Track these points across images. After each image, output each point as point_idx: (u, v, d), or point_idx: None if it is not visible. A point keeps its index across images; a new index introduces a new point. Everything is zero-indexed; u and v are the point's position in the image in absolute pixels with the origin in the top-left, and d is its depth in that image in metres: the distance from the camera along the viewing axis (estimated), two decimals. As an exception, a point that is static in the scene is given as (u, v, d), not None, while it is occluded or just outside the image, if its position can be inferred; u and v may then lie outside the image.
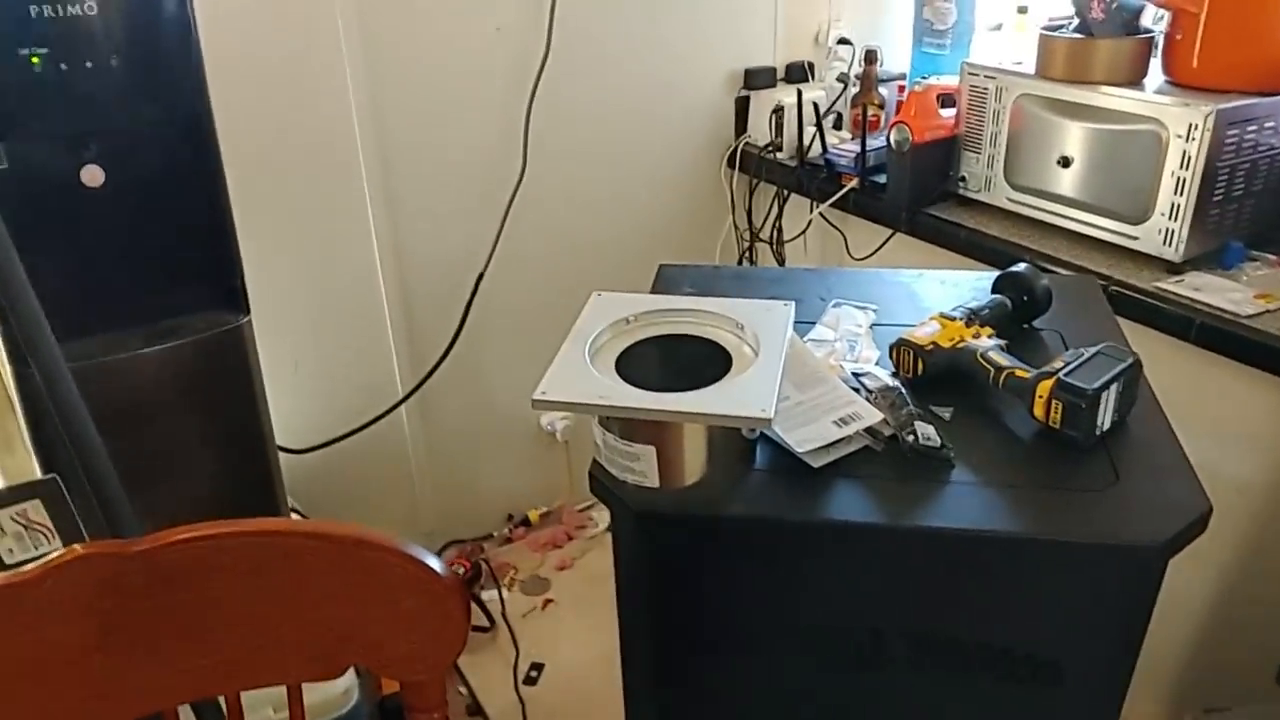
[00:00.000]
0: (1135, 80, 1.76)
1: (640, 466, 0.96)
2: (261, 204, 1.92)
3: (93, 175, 1.37)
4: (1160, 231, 1.69)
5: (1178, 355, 1.60)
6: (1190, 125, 1.60)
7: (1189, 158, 1.61)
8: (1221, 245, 1.71)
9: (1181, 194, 1.64)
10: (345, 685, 1.60)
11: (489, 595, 2.39)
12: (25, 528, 1.17)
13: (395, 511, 2.42)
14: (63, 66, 1.32)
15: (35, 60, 1.30)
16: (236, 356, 1.57)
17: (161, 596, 0.95)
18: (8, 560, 1.14)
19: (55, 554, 0.91)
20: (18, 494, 1.16)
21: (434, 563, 0.97)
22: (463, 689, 2.17)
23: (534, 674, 2.19)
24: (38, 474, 1.36)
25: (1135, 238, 1.73)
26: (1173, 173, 1.64)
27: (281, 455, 1.77)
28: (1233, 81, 1.65)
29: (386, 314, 2.22)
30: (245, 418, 1.63)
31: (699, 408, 0.92)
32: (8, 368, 1.41)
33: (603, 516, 2.64)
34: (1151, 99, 1.67)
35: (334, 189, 2.06)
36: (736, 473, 1.01)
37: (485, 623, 2.31)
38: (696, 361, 1.02)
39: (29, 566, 0.90)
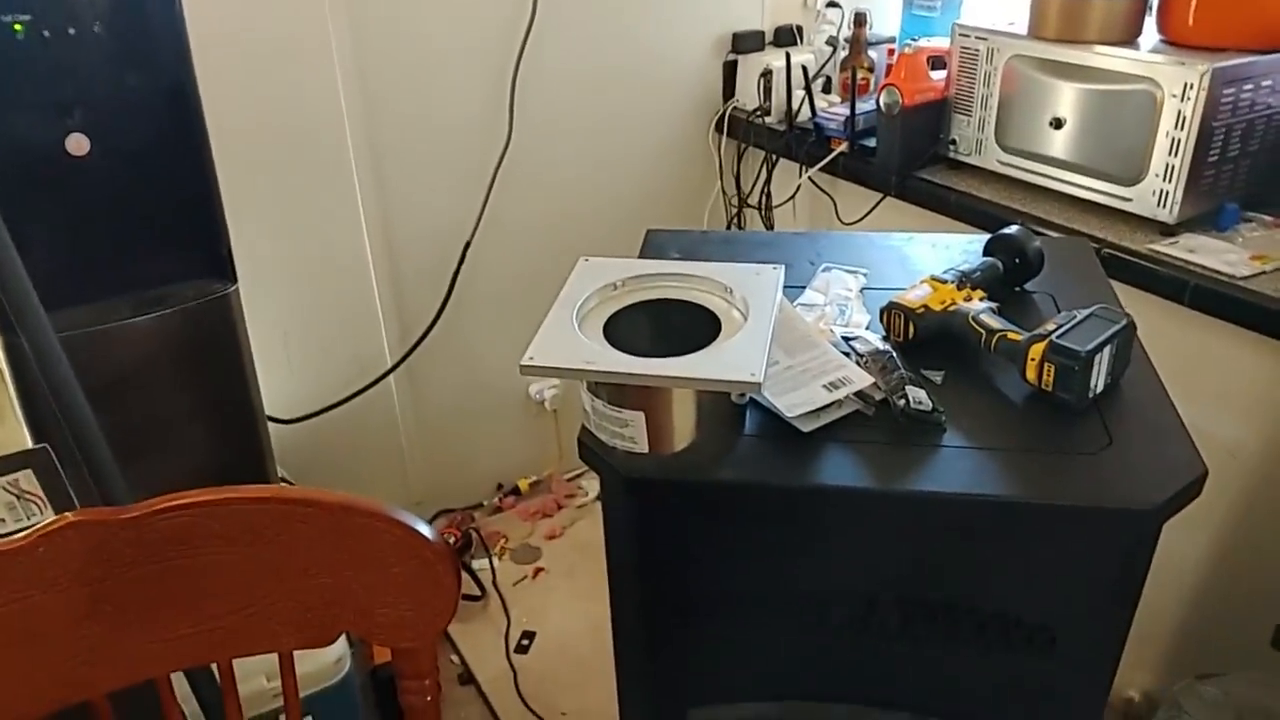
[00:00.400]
0: (1129, 39, 1.74)
1: (629, 432, 0.95)
2: (247, 173, 1.89)
3: (78, 144, 1.36)
4: (1154, 193, 1.67)
5: (1172, 318, 1.60)
6: (1185, 84, 1.58)
7: (1184, 118, 1.60)
8: (1216, 207, 1.70)
9: (1176, 155, 1.62)
10: (337, 654, 1.60)
11: (480, 564, 2.38)
12: (17, 497, 1.16)
13: (385, 481, 2.41)
14: (45, 34, 1.31)
15: (18, 28, 1.29)
16: (224, 325, 1.57)
17: (152, 564, 0.95)
18: (0, 530, 1.13)
19: (47, 521, 0.90)
20: (9, 464, 1.16)
21: (424, 529, 0.96)
22: (454, 658, 2.17)
23: (525, 642, 2.20)
24: (29, 444, 1.35)
25: (1129, 199, 1.72)
26: (1167, 133, 1.63)
27: (271, 425, 1.77)
28: (1228, 40, 1.63)
29: (374, 283, 2.20)
30: (234, 387, 1.62)
31: (687, 372, 0.91)
32: (-2, 337, 1.40)
33: (592, 485, 2.64)
34: (1146, 58, 1.65)
35: (320, 158, 2.04)
36: (726, 438, 0.99)
37: (476, 592, 2.31)
38: (685, 326, 1.01)
39: (19, 534, 0.90)
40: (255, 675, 1.47)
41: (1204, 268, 1.57)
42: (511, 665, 2.13)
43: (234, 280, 1.55)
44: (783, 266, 1.07)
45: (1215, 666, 1.64)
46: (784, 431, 0.98)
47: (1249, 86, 1.62)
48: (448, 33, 2.09)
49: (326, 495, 0.96)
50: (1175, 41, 1.70)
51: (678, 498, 1.00)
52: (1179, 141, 1.61)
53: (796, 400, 0.98)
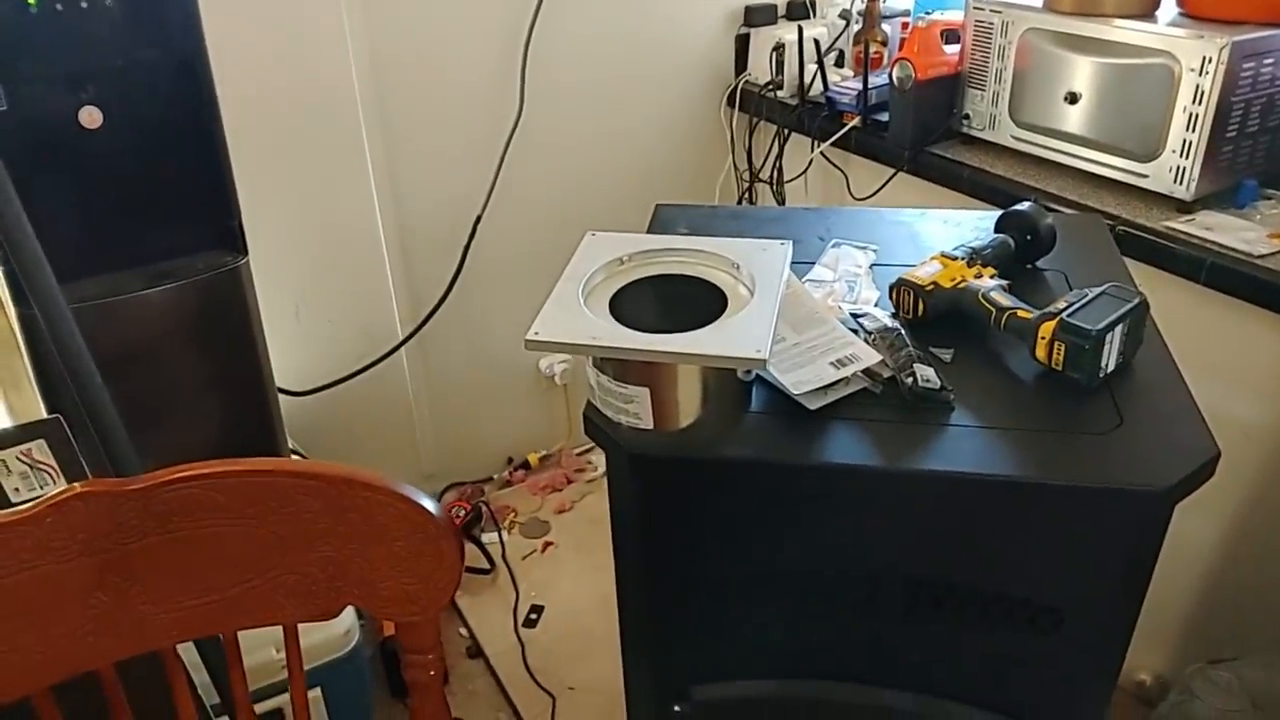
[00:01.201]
0: (1147, 12, 1.71)
1: (634, 408, 0.94)
2: (259, 146, 1.89)
3: (91, 116, 1.37)
4: (1171, 169, 1.65)
5: (1187, 296, 1.58)
6: (1204, 58, 1.56)
7: (1202, 92, 1.57)
8: (1234, 183, 1.68)
9: (1193, 130, 1.60)
10: (346, 626, 1.61)
11: (489, 538, 2.39)
12: (31, 467, 1.17)
13: (396, 454, 2.42)
14: (58, 6, 1.31)
15: (31, 1, 1.28)
16: (235, 298, 1.57)
17: (158, 535, 0.96)
18: (14, 500, 1.14)
19: (55, 492, 0.91)
20: (23, 434, 1.17)
21: (427, 503, 0.96)
22: (463, 630, 2.18)
23: (534, 616, 2.20)
24: (43, 413, 1.36)
25: (1145, 175, 1.70)
26: (1185, 108, 1.60)
27: (282, 398, 1.77)
28: (1248, 12, 1.60)
29: (385, 256, 2.20)
30: (245, 359, 1.63)
31: (693, 348, 0.90)
32: (11, 308, 1.40)
33: (601, 460, 2.64)
34: (1164, 31, 1.63)
35: (331, 130, 2.03)
36: (731, 415, 0.99)
37: (485, 565, 2.32)
38: (691, 302, 1.01)
39: (28, 505, 0.91)
40: (264, 646, 1.48)
41: (1221, 245, 1.55)
42: (520, 639, 2.14)
43: (245, 253, 1.55)
44: (790, 242, 1.06)
45: (1228, 650, 1.64)
46: (790, 409, 0.98)
47: (1269, 61, 1.59)
48: (459, 5, 2.07)
49: (330, 468, 0.97)
50: (1194, 15, 1.67)
51: (682, 474, 0.99)
52: (1197, 117, 1.59)
53: (803, 377, 0.97)
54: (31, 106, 1.33)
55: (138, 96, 1.40)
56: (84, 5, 1.32)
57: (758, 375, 1.01)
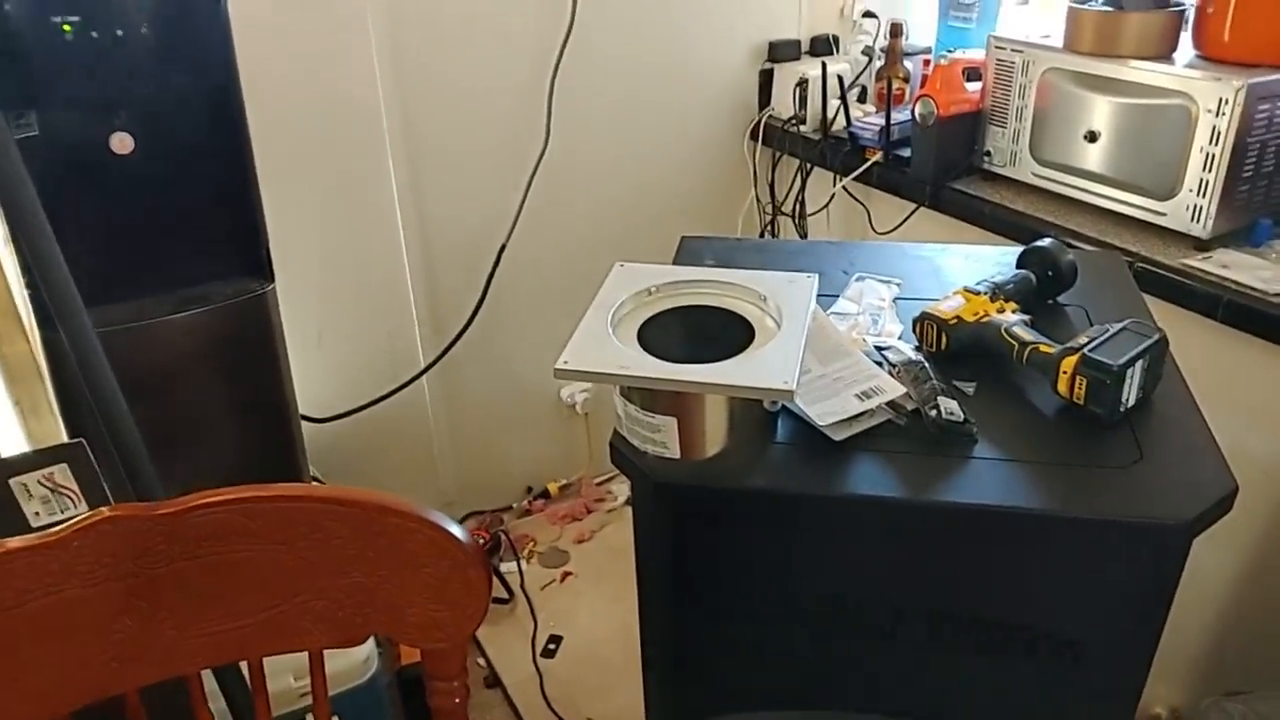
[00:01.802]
0: (1165, 54, 1.73)
1: (661, 437, 0.96)
2: (287, 174, 1.92)
3: (122, 142, 1.39)
4: (1188, 208, 1.67)
5: (1205, 333, 1.59)
6: (1221, 100, 1.58)
7: (1219, 133, 1.59)
8: (1250, 222, 1.69)
9: (1210, 170, 1.62)
10: (365, 654, 1.62)
11: (508, 567, 2.40)
12: (52, 491, 1.18)
13: (415, 482, 2.43)
14: (94, 34, 1.33)
15: (67, 29, 1.32)
16: (261, 324, 1.59)
17: (185, 560, 0.96)
18: (34, 524, 1.15)
19: (83, 515, 0.91)
20: (45, 458, 1.18)
21: (456, 530, 0.97)
22: (481, 660, 2.18)
23: (552, 646, 2.20)
24: (64, 438, 1.37)
25: (1163, 214, 1.71)
26: (1202, 148, 1.62)
27: (304, 424, 1.78)
28: (1264, 55, 1.62)
29: (409, 285, 2.22)
30: (269, 386, 1.64)
31: (721, 379, 0.91)
32: (36, 333, 1.42)
33: (622, 490, 2.65)
34: (1182, 73, 1.65)
35: (358, 159, 2.06)
36: (757, 445, 1.00)
37: (504, 595, 2.32)
38: (719, 333, 1.02)
39: (56, 528, 0.91)
40: (282, 674, 1.48)
41: (1237, 283, 1.57)
42: (538, 669, 2.14)
43: (271, 280, 1.57)
44: (816, 275, 1.08)
45: (1243, 684, 1.63)
46: (815, 440, 0.99)
47: (1285, 102, 1.61)
48: (487, 35, 2.11)
49: (360, 494, 0.97)
50: (1211, 57, 1.69)
51: (708, 504, 1.01)
52: (1213, 157, 1.61)
53: (829, 409, 0.99)
54: (64, 132, 1.35)
55: (169, 123, 1.42)
56: (119, 33, 1.34)
57: (783, 406, 1.02)
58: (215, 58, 1.43)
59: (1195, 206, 1.65)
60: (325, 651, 1.04)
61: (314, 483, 1.95)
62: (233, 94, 1.45)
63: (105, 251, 1.43)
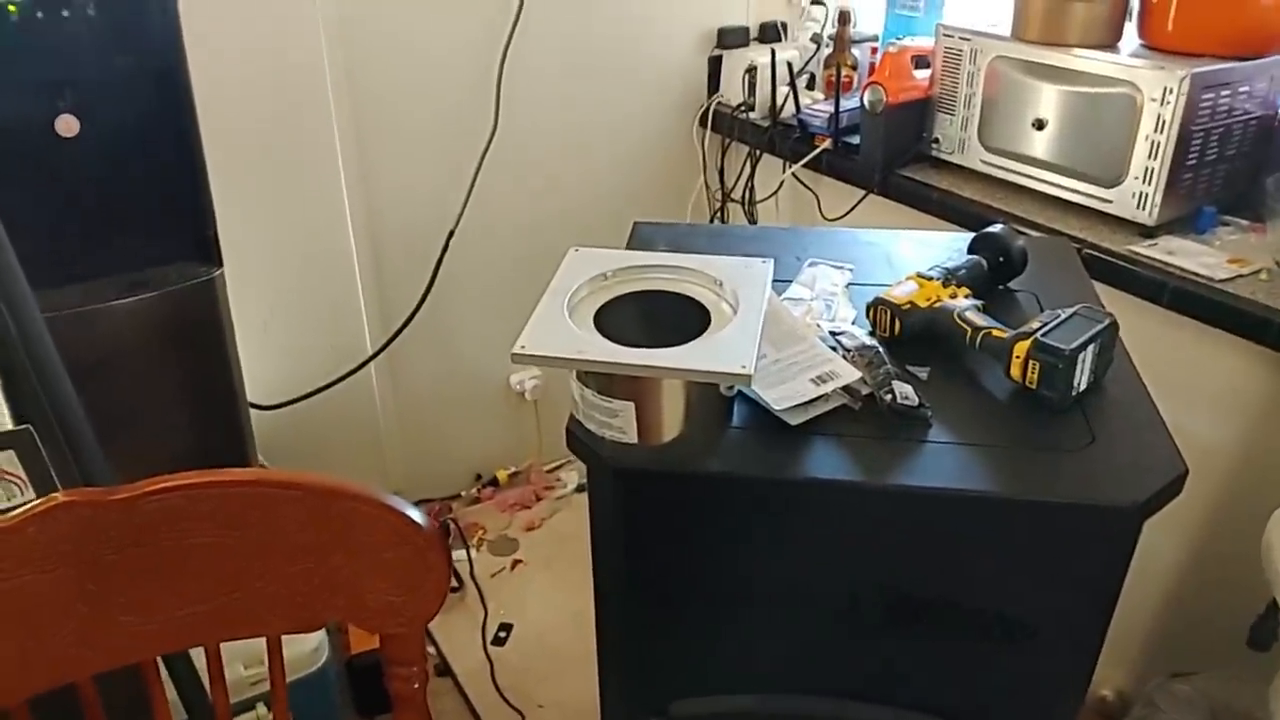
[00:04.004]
0: (1110, 43, 1.75)
1: (618, 422, 0.95)
2: (234, 158, 1.89)
3: (67, 125, 1.37)
4: (1134, 195, 1.69)
5: (1150, 318, 1.61)
6: (1165, 89, 1.60)
7: (1163, 121, 1.62)
8: (1195, 210, 1.72)
9: (1155, 158, 1.64)
10: (315, 643, 1.60)
11: (457, 555, 2.38)
12: (-1, 478, 1.15)
13: (363, 469, 2.41)
14: (39, 14, 1.31)
15: (12, 9, 1.30)
16: (209, 310, 1.57)
17: (141, 546, 0.95)
18: (-21, 512, 1.13)
19: (38, 502, 0.90)
20: (-9, 445, 1.15)
21: (414, 514, 0.97)
22: (431, 649, 2.17)
23: (502, 634, 2.20)
24: (9, 425, 1.34)
25: (1109, 201, 1.74)
26: (1147, 136, 1.64)
27: (251, 411, 1.76)
28: (1208, 45, 1.65)
29: (357, 271, 2.19)
30: (216, 372, 1.62)
31: (678, 363, 0.91)
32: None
33: (571, 477, 2.64)
34: (1126, 62, 1.67)
35: (305, 144, 2.03)
36: (714, 430, 1.00)
37: (454, 583, 2.31)
38: (675, 318, 1.02)
39: (10, 514, 0.90)
40: (232, 663, 1.45)
41: (1182, 269, 1.59)
42: (488, 657, 2.13)
43: (219, 265, 1.54)
44: (772, 260, 1.08)
45: (1190, 665, 1.67)
46: (771, 424, 0.99)
47: (1226, 92, 1.64)
48: (435, 22, 2.08)
49: (315, 478, 0.97)
50: (1155, 46, 1.72)
51: (665, 488, 1.00)
52: (1158, 145, 1.63)
53: (784, 393, 0.99)
54: (8, 113, 1.33)
55: (116, 105, 1.40)
56: (65, 14, 1.32)
57: (740, 391, 1.02)
58: (162, 39, 1.40)
59: (1141, 194, 1.68)
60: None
61: (260, 471, 1.93)
62: (180, 76, 1.43)
63: (51, 236, 1.41)
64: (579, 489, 2.58)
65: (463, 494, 2.61)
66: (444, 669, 2.13)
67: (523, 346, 0.93)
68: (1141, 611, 1.84)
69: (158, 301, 1.49)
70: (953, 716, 1.07)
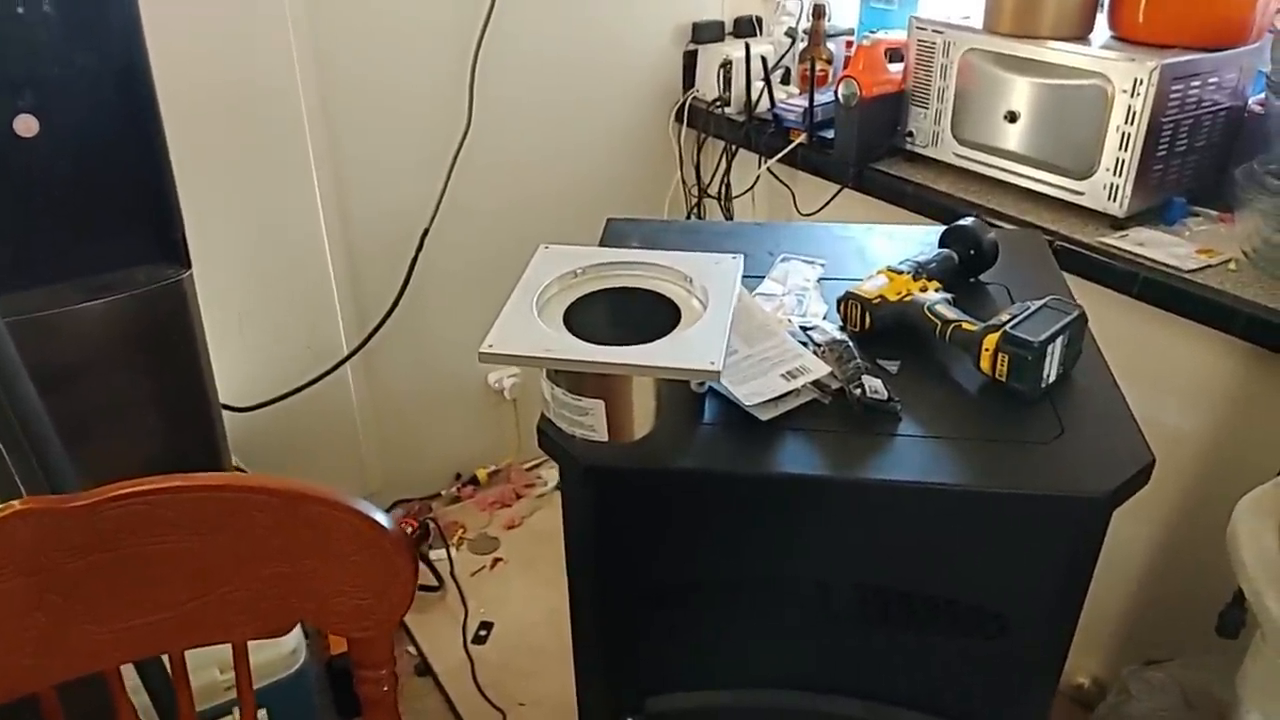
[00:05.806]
0: (1082, 35, 1.76)
1: (589, 420, 0.95)
2: (202, 157, 1.88)
3: (26, 125, 1.34)
4: (1105, 187, 1.70)
5: (1121, 309, 1.62)
6: (1135, 80, 1.61)
7: (1134, 113, 1.62)
8: (1165, 201, 1.73)
9: (1126, 149, 1.65)
10: (293, 644, 1.59)
11: (437, 554, 2.37)
12: (-41, 486, 1.14)
13: (341, 470, 2.40)
14: (-5, 12, 1.28)
15: (-32, 7, 1.26)
16: (178, 311, 1.54)
17: (103, 553, 0.94)
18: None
19: (-4, 510, 0.89)
20: (-48, 453, 1.14)
21: (380, 517, 0.96)
22: (411, 648, 2.16)
23: (483, 633, 2.19)
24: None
25: (1080, 193, 1.74)
26: (1118, 128, 1.65)
27: (225, 414, 1.75)
28: (1178, 37, 1.65)
29: (331, 270, 2.18)
30: (188, 374, 1.60)
31: (647, 360, 0.91)
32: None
33: (551, 475, 2.64)
34: (1097, 54, 1.67)
35: (276, 141, 2.02)
36: (685, 427, 1.00)
37: (434, 582, 2.30)
38: (645, 315, 1.02)
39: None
40: (207, 667, 1.46)
41: (1153, 261, 1.60)
42: (469, 656, 2.13)
43: (188, 265, 1.52)
44: (742, 256, 1.08)
45: (1162, 653, 1.68)
46: (742, 420, 0.99)
47: (1196, 83, 1.65)
48: (407, 16, 2.07)
49: (281, 482, 0.96)
50: (1126, 38, 1.72)
51: (637, 485, 1.00)
52: (1129, 136, 1.64)
53: (755, 389, 0.99)
54: (-36, 115, 1.31)
55: (76, 104, 1.37)
56: (20, 11, 1.29)
57: (710, 387, 1.02)
58: (122, 34, 1.37)
59: (1112, 186, 1.68)
60: (253, 642, 1.03)
61: (237, 472, 1.92)
62: (142, 73, 1.40)
63: (13, 238, 1.38)
64: (559, 487, 2.56)
65: (443, 493, 2.60)
66: (425, 668, 2.12)
67: (490, 346, 0.93)
68: (1115, 600, 1.86)
69: (125, 304, 1.46)
70: (928, 707, 1.08)
